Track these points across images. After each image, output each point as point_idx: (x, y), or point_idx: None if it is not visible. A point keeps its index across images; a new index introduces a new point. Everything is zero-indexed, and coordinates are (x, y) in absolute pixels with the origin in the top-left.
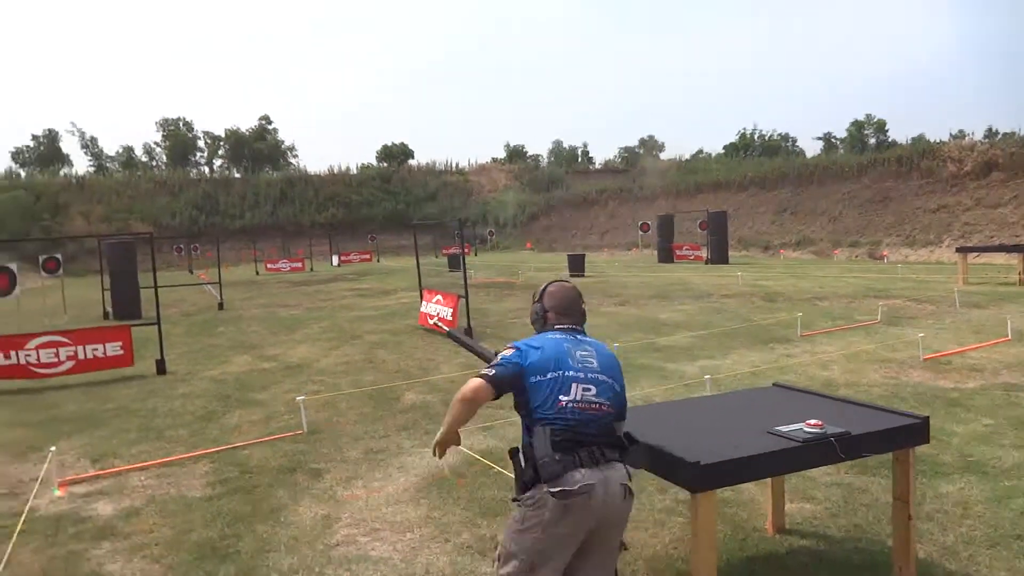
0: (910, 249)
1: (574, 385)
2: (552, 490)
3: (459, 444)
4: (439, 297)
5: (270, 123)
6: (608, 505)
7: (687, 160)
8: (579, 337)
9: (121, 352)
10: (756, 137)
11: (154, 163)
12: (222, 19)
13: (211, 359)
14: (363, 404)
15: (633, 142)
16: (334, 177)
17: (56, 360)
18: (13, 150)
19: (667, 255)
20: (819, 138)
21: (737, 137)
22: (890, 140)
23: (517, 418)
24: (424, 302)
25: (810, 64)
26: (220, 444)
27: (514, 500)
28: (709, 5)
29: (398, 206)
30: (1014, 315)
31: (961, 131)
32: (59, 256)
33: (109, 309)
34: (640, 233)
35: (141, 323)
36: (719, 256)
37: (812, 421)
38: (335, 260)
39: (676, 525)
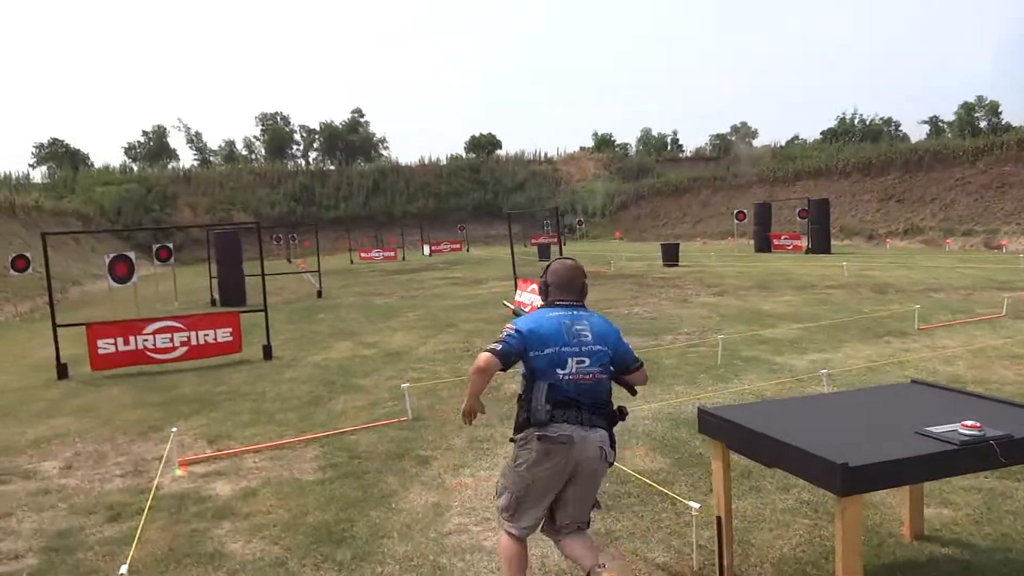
0: None
1: (570, 359)
2: (538, 434)
3: (483, 412)
4: (534, 287)
5: (362, 116)
6: (583, 458)
7: (782, 147)
8: (576, 312)
9: (231, 338)
10: (856, 122)
11: (253, 156)
12: (316, 16)
13: (314, 345)
14: (464, 392)
15: (724, 129)
16: (424, 168)
17: (171, 345)
18: (126, 145)
19: (764, 244)
20: (924, 122)
21: (836, 122)
22: (1004, 123)
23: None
24: (519, 291)
25: (913, 44)
26: (328, 429)
27: (511, 440)
28: None
29: (487, 196)
30: None
31: None
32: (171, 245)
33: (216, 296)
34: (736, 222)
35: (248, 310)
36: (821, 245)
37: (968, 422)
38: (426, 249)
39: (802, 527)
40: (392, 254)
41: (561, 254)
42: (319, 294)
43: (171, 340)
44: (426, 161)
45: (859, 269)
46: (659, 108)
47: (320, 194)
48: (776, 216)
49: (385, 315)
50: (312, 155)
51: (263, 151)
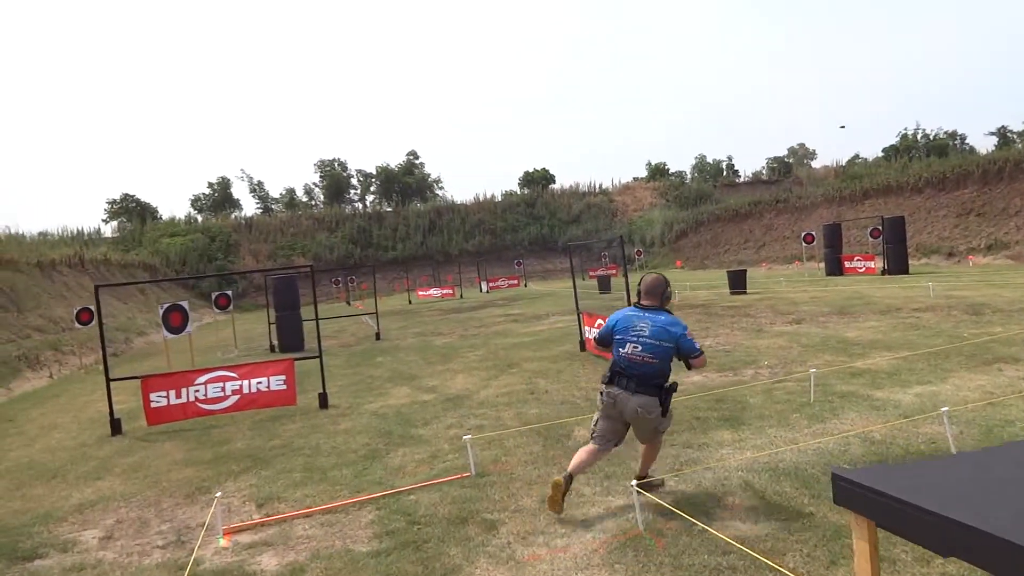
0: None
1: (628, 344)
2: (602, 389)
3: None
4: (600, 322)
5: (417, 158)
6: (626, 412)
7: (843, 166)
8: (645, 313)
9: (284, 387)
10: (920, 137)
11: (313, 202)
12: (370, 63)
13: (371, 391)
14: (531, 442)
15: (781, 152)
16: (480, 205)
17: (222, 395)
18: (192, 197)
19: (836, 267)
20: (991, 133)
21: (898, 139)
22: None
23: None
24: (587, 327)
25: (972, 55)
26: (385, 487)
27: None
28: (846, 7)
29: (542, 230)
30: None
31: None
32: (229, 293)
33: (274, 342)
34: (804, 245)
35: (303, 356)
36: (898, 265)
37: None
38: (484, 286)
39: None
40: (450, 292)
41: (627, 284)
42: (377, 336)
43: (223, 389)
44: (481, 198)
45: (945, 289)
46: (712, 135)
47: (377, 235)
48: (846, 237)
49: (445, 356)
50: (369, 198)
51: (322, 197)
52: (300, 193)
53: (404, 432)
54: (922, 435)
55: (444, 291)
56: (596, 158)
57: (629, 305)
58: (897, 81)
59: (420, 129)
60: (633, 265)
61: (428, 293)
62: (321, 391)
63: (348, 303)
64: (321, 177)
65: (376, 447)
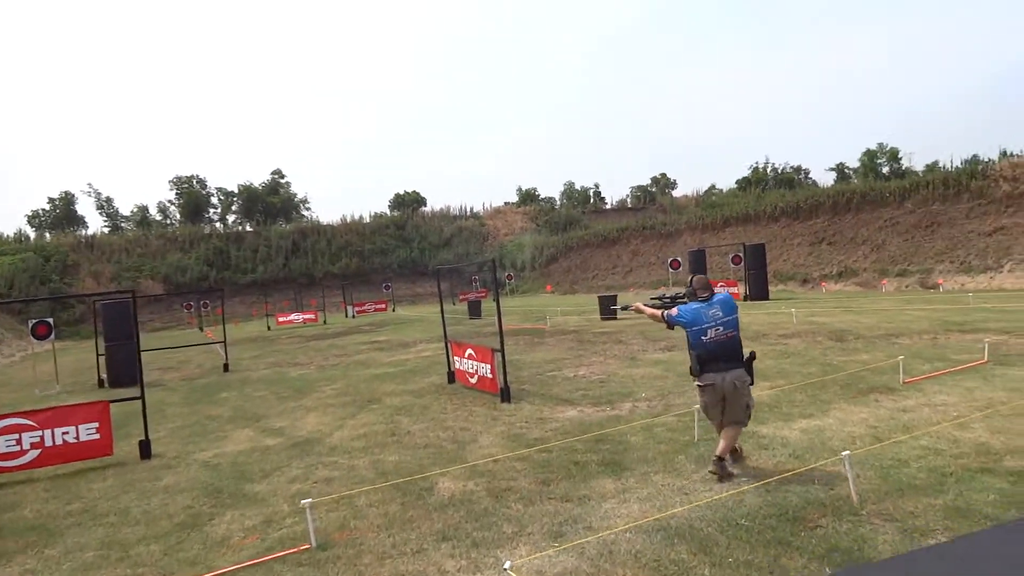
0: (967, 276)
1: (710, 330)
2: (697, 383)
3: (642, 313)
4: (471, 352)
5: (282, 177)
6: (725, 390)
7: (703, 195)
8: (713, 301)
9: (97, 435)
10: (769, 170)
11: (168, 221)
12: (232, 77)
13: (206, 435)
14: (387, 499)
15: (644, 180)
16: (347, 227)
17: (18, 449)
18: (30, 213)
19: None
20: (832, 169)
21: (750, 171)
22: (903, 168)
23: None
24: (456, 356)
25: (815, 96)
26: (200, 568)
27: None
28: (701, 46)
29: (412, 253)
30: None
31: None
32: (50, 320)
33: (104, 376)
34: (669, 270)
35: (120, 399)
36: (759, 291)
37: None
38: (350, 311)
39: None
40: (313, 317)
41: (498, 306)
42: (225, 367)
43: (18, 443)
44: (348, 220)
45: (806, 316)
46: (580, 162)
47: (236, 257)
48: (709, 263)
49: (298, 391)
50: (231, 218)
51: (178, 215)
52: (154, 211)
53: (237, 489)
54: (819, 479)
55: (306, 316)
56: (469, 182)
57: (500, 331)
58: (750, 117)
59: (287, 148)
60: (503, 289)
61: (289, 319)
62: (143, 438)
63: (200, 329)
64: (177, 195)
65: (199, 510)
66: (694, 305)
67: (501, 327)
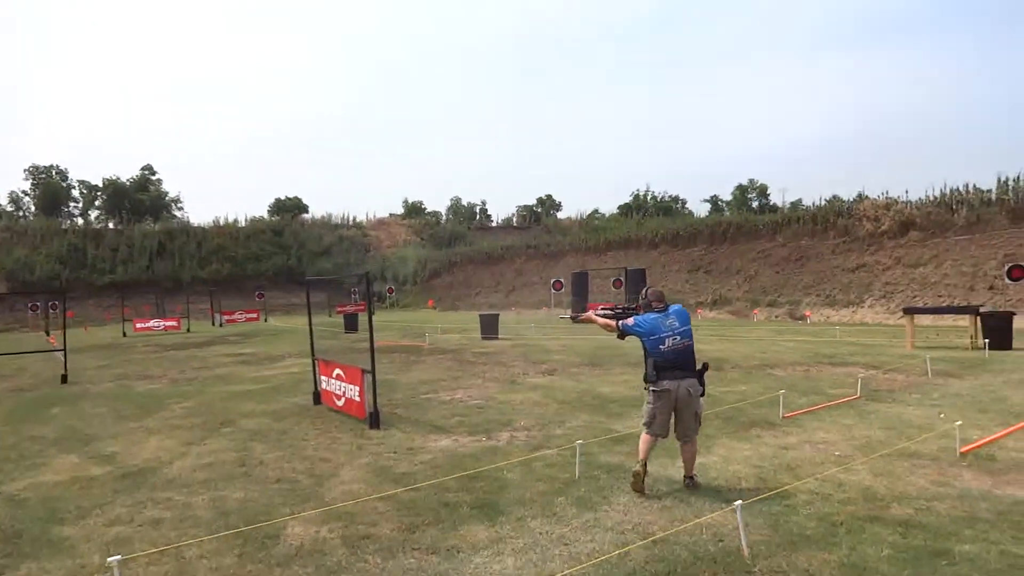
0: (831, 309)
1: (668, 339)
2: (652, 388)
3: (592, 323)
4: (340, 372)
5: (153, 173)
6: (679, 398)
7: (586, 218)
8: (669, 311)
9: None
10: (649, 198)
11: (21, 213)
12: (103, 61)
13: (21, 461)
14: (223, 549)
15: (530, 201)
16: (220, 230)
17: None
18: None
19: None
20: (707, 200)
21: (631, 198)
22: (771, 204)
23: None
24: (323, 376)
25: (695, 131)
26: None
27: (644, 388)
28: (593, 74)
29: (289, 261)
30: (1001, 387)
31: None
32: None
33: None
34: (552, 291)
35: None
36: None
37: None
38: (218, 319)
39: None
40: (175, 325)
41: (371, 324)
42: (63, 378)
43: None
44: (222, 222)
45: None
46: (468, 179)
47: (93, 256)
48: (591, 286)
49: (143, 408)
50: (93, 214)
51: (32, 208)
52: (5, 202)
53: (42, 532)
54: (707, 529)
55: (168, 323)
56: (354, 190)
57: (371, 350)
58: (633, 145)
59: (161, 143)
60: (384, 303)
61: (148, 325)
62: None
63: (47, 333)
64: (33, 185)
65: None
66: (651, 315)
67: (373, 347)
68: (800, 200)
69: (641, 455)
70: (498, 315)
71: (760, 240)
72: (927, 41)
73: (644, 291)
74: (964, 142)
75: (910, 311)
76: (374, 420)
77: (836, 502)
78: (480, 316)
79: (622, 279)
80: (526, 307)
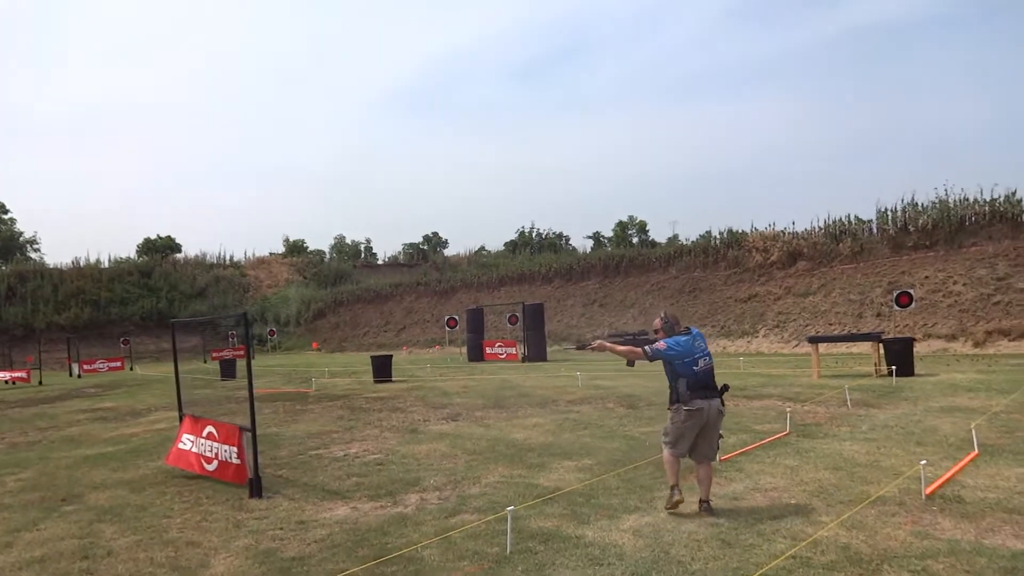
0: (727, 340)
1: (700, 360)
2: (684, 407)
3: (607, 351)
4: (212, 429)
5: (6, 212)
6: (709, 416)
7: (473, 255)
8: (693, 333)
9: None
10: (535, 235)
11: None
12: None
13: None
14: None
15: (416, 239)
16: (79, 272)
17: None
18: None
19: (478, 353)
20: (589, 236)
21: (517, 235)
22: (651, 239)
23: None
24: (186, 434)
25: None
26: None
27: (668, 408)
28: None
29: (159, 304)
30: (924, 416)
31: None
32: None
33: None
34: (446, 329)
35: None
36: (537, 352)
37: None
38: (76, 369)
39: None
40: (24, 376)
41: (250, 373)
42: None
43: None
44: (82, 263)
45: (589, 378)
46: (351, 217)
47: None
48: (485, 322)
49: None
50: None
51: None
52: None
53: None
54: None
55: (16, 375)
56: (231, 230)
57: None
58: (518, 186)
59: (14, 180)
60: (265, 346)
61: None
62: None
63: None
64: None
65: None
66: (682, 338)
67: (252, 399)
68: (687, 235)
69: (672, 479)
70: (391, 356)
71: (653, 273)
72: (805, 82)
73: (664, 316)
74: (844, 175)
75: (815, 340)
76: (256, 488)
77: (821, 568)
78: (372, 358)
79: (517, 315)
80: (418, 346)
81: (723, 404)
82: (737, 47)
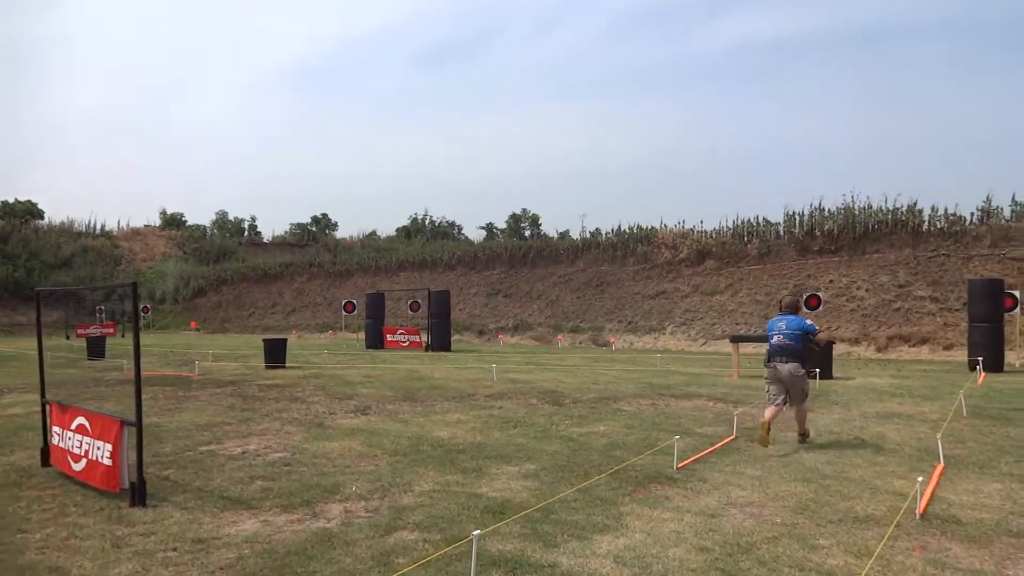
0: (634, 336)
1: (776, 336)
2: (766, 365)
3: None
4: (83, 421)
5: None
6: (783, 374)
7: (365, 238)
8: (783, 316)
9: None
10: (427, 222)
11: None
12: None
13: None
14: None
15: (305, 219)
16: None
17: None
18: None
19: (378, 339)
20: (482, 227)
21: (409, 221)
22: (542, 233)
23: None
24: (55, 427)
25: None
26: None
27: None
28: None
29: (16, 273)
30: (866, 422)
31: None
32: None
33: None
34: (343, 313)
35: None
36: (442, 342)
37: None
38: None
39: None
40: None
41: (137, 353)
42: None
43: None
44: None
45: (502, 371)
46: (236, 192)
47: None
48: (386, 308)
49: None
50: None
51: None
52: None
53: None
54: None
55: None
56: (104, 197)
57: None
58: (410, 171)
59: None
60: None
61: None
62: None
63: None
64: None
65: None
66: (775, 319)
67: (139, 388)
68: (598, 228)
69: (768, 417)
70: (285, 340)
71: (560, 265)
72: (703, 87)
73: (786, 298)
74: (753, 176)
75: (737, 339)
76: (138, 494)
77: None
78: (264, 341)
79: (419, 301)
80: (309, 330)
81: (804, 366)
82: (643, 51)
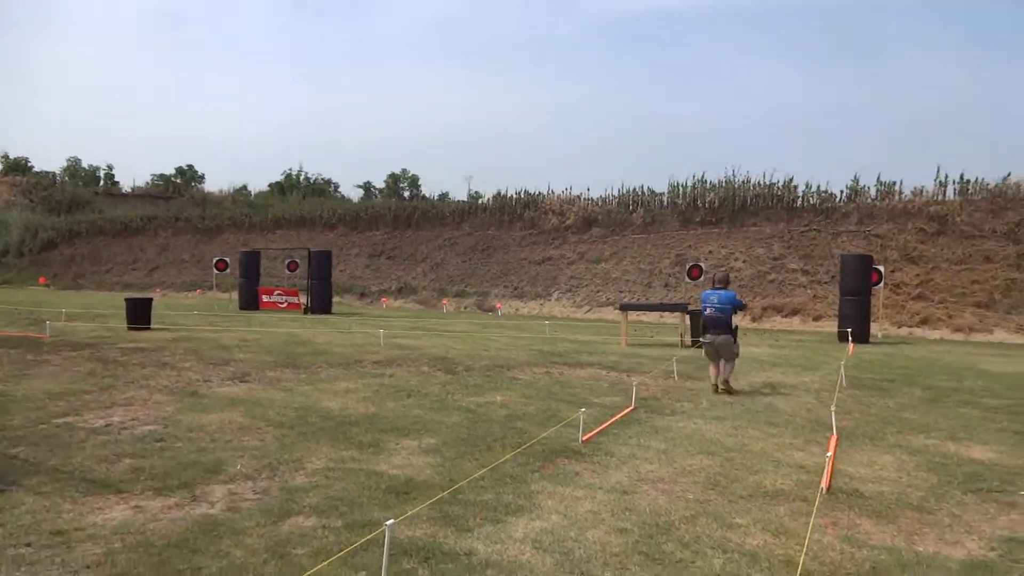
0: (519, 301)
1: (708, 308)
2: (699, 340)
3: None
4: None
5: None
6: (714, 346)
7: (235, 192)
8: (715, 290)
9: None
10: (302, 179)
11: None
12: None
13: None
14: None
15: (168, 170)
16: None
17: None
18: None
19: (252, 300)
20: (360, 186)
21: (283, 176)
22: (422, 194)
23: None
24: None
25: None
26: None
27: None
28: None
29: None
30: (756, 393)
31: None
32: None
33: None
34: (214, 272)
35: None
36: (323, 304)
37: None
38: None
39: None
40: None
41: None
42: None
43: None
44: None
45: (388, 336)
46: (89, 137)
47: None
48: (261, 267)
49: None
50: None
51: None
52: None
53: None
54: None
55: None
56: None
57: None
58: (287, 122)
59: None
60: None
61: None
62: None
63: None
64: None
65: None
66: (707, 292)
67: None
68: (524, 188)
69: (712, 375)
70: (151, 299)
71: (446, 227)
72: (599, 57)
73: (715, 277)
74: (640, 146)
75: (626, 307)
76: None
77: None
78: (127, 300)
79: (298, 260)
80: (175, 288)
81: (732, 337)
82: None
